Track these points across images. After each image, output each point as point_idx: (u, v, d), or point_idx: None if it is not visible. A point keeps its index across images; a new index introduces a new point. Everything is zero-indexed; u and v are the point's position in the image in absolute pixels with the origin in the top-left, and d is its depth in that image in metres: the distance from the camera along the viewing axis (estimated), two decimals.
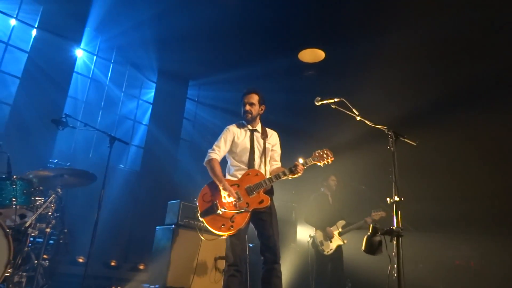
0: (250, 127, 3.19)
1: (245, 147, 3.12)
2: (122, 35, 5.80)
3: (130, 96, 6.77)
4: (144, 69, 6.80)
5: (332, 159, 3.01)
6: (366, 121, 2.61)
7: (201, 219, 2.96)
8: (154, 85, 6.99)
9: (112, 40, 6.11)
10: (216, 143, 3.15)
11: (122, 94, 6.65)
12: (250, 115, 3.12)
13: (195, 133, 7.49)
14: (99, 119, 6.14)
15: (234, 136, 3.15)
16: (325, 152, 3.06)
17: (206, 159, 3.08)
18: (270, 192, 3.01)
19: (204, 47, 5.95)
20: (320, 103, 2.72)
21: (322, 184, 5.39)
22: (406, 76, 5.76)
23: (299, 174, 2.93)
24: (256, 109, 3.17)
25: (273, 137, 3.23)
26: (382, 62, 5.59)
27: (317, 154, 3.03)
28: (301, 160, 2.99)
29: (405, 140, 2.49)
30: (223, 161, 3.13)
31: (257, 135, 3.18)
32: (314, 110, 5.22)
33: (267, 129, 3.23)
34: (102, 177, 3.42)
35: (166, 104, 6.84)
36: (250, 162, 3.08)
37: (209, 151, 3.11)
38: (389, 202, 2.25)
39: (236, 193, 2.90)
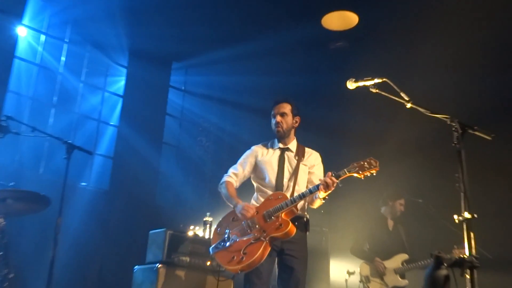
0: (281, 145, 3.53)
1: (271, 167, 3.44)
2: (79, 5, 5.90)
3: (92, 87, 6.86)
4: (110, 50, 6.89)
5: (377, 169, 3.10)
6: (420, 109, 2.65)
7: (211, 255, 3.30)
8: (125, 70, 7.12)
9: (65, 12, 6.18)
10: (233, 165, 3.55)
11: (81, 85, 6.74)
12: (281, 129, 3.44)
13: (183, 134, 7.61)
14: (51, 120, 6.22)
15: (257, 157, 3.51)
16: (368, 161, 3.17)
17: (220, 183, 3.47)
18: (301, 223, 3.30)
19: (192, 16, 6.07)
20: (354, 86, 2.82)
21: (382, 204, 5.59)
22: (480, 48, 5.71)
23: (329, 190, 3.09)
24: (289, 121, 3.49)
25: (312, 157, 3.51)
26: (444, 27, 5.59)
27: (355, 164, 3.16)
28: (333, 173, 3.17)
29: (477, 133, 2.50)
30: (249, 188, 3.50)
31: (290, 155, 3.49)
32: (345, 97, 5.45)
33: (306, 148, 3.53)
34: (58, 200, 3.45)
35: (142, 96, 6.95)
36: (278, 186, 3.39)
37: (225, 175, 3.51)
38: (457, 221, 2.29)
39: (253, 220, 3.20)
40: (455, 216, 2.30)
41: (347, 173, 3.17)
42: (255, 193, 3.48)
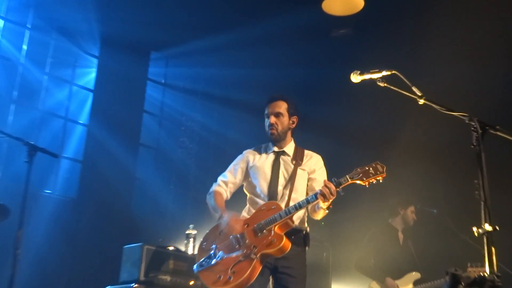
0: (276, 148, 3.56)
1: (264, 174, 3.48)
2: None
3: (59, 80, 6.85)
4: (79, 37, 6.89)
5: (384, 175, 3.13)
6: (435, 105, 2.66)
7: (195, 273, 3.33)
8: (96, 61, 7.12)
9: None
10: (222, 173, 3.61)
11: (46, 77, 6.72)
12: (275, 131, 3.47)
13: (163, 134, 7.61)
14: (10, 118, 6.20)
15: (249, 162, 3.56)
16: (374, 166, 3.19)
17: (207, 195, 3.52)
18: (299, 237, 3.34)
19: None
20: (359, 79, 2.85)
21: (390, 213, 5.61)
22: (503, 37, 5.77)
23: (329, 200, 3.09)
24: (284, 122, 3.52)
25: (312, 161, 3.53)
26: (462, 13, 5.64)
27: (359, 170, 3.18)
28: (333, 180, 3.17)
29: (499, 133, 2.51)
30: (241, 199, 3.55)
31: (286, 159, 3.52)
32: (350, 92, 5.61)
33: (306, 151, 3.56)
34: (19, 210, 3.42)
35: (115, 90, 6.94)
36: (271, 194, 3.41)
37: (214, 184, 3.58)
38: (476, 234, 2.30)
39: (242, 234, 3.22)
40: (474, 229, 2.31)
41: (349, 180, 3.18)
42: (247, 205, 3.52)
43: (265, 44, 6.55)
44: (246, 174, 3.58)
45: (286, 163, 3.51)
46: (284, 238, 3.16)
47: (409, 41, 6.23)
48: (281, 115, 3.47)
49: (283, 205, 3.31)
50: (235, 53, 6.85)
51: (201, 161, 7.72)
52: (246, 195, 3.60)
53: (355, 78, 2.86)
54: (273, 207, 3.30)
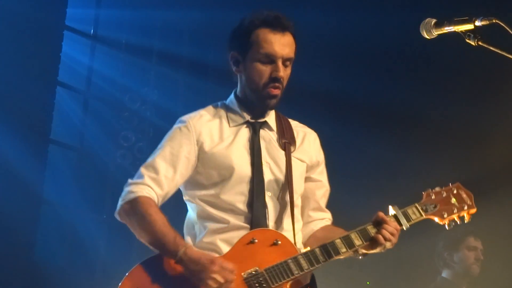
0: (249, 116, 2.86)
1: (238, 167, 2.77)
2: None
3: None
4: None
5: (473, 210, 2.84)
6: None
7: None
8: None
9: None
10: (147, 160, 2.80)
11: None
12: (280, 92, 2.80)
13: (91, 125, 6.64)
14: None
15: (203, 143, 2.79)
16: (456, 193, 2.86)
17: (119, 204, 2.71)
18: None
19: None
20: (436, 33, 2.56)
21: (439, 259, 5.32)
22: None
23: (387, 246, 2.69)
24: (288, 76, 2.94)
25: (308, 142, 3.00)
26: None
27: (434, 197, 2.83)
28: (396, 209, 2.74)
29: None
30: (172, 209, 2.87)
31: (268, 137, 2.88)
32: (414, 55, 6.08)
33: (293, 122, 3.03)
34: None
35: (8, 47, 5.92)
36: (256, 212, 2.76)
37: (128, 181, 2.73)
38: None
39: None
40: None
41: (422, 214, 2.76)
42: (199, 226, 2.78)
43: None
44: (197, 167, 2.75)
45: (270, 144, 2.82)
46: None
47: None
48: (289, 63, 2.79)
49: (289, 235, 2.72)
50: None
51: None
52: (186, 205, 2.89)
53: (429, 31, 2.54)
54: (275, 241, 2.65)
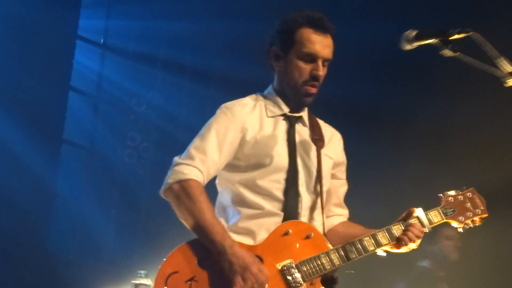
0: (287, 109, 2.93)
1: (278, 157, 2.81)
2: None
3: None
4: None
5: (485, 215, 2.90)
6: None
7: None
8: None
9: None
10: (195, 142, 2.76)
11: None
12: (316, 90, 2.88)
13: (101, 126, 6.96)
14: None
15: (246, 130, 2.83)
16: (471, 197, 2.92)
17: (168, 182, 2.63)
18: (333, 281, 2.82)
19: None
20: (415, 44, 2.49)
21: (419, 251, 5.06)
22: None
23: (411, 247, 2.74)
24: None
25: (335, 142, 3.06)
26: None
27: (451, 200, 2.91)
28: (419, 212, 2.79)
29: None
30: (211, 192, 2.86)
31: (302, 131, 2.96)
32: (401, 64, 5.83)
33: (320, 122, 3.09)
34: None
35: (23, 54, 6.18)
36: (290, 200, 2.78)
37: (177, 160, 2.70)
38: None
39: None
40: None
41: (443, 217, 2.84)
42: (232, 210, 2.77)
43: None
44: (237, 153, 2.79)
45: (304, 139, 2.88)
46: None
47: None
48: (327, 64, 2.81)
49: (319, 227, 2.77)
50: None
51: (161, 170, 7.20)
52: (222, 189, 2.90)
53: (408, 43, 2.48)
54: (308, 235, 2.68)
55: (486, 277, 5.77)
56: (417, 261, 5.48)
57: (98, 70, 7.11)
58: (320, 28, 2.72)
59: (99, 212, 6.70)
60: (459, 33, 2.37)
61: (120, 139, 6.97)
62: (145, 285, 4.98)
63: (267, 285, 2.54)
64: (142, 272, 5.08)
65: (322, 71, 2.73)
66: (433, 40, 2.44)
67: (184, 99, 7.43)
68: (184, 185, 2.61)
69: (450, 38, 2.39)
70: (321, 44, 2.73)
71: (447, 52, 2.42)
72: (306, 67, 2.73)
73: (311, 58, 2.71)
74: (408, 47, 2.52)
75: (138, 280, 5.04)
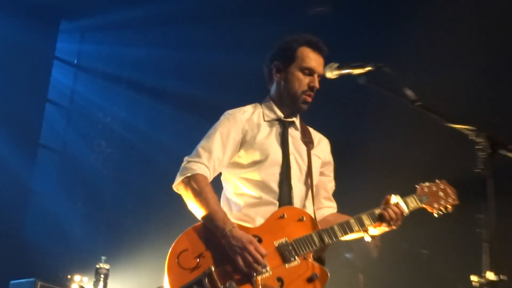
0: (282, 114, 3.10)
1: (273, 154, 3.03)
2: None
3: None
4: None
5: (456, 202, 3.09)
6: (433, 114, 2.56)
7: None
8: None
9: None
10: (202, 143, 3.01)
11: None
12: (311, 99, 3.09)
13: (72, 133, 7.31)
14: None
15: (246, 132, 3.06)
16: (443, 188, 3.09)
17: (179, 177, 2.89)
18: (322, 261, 2.99)
19: None
20: (336, 74, 2.77)
21: (344, 244, 5.56)
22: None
23: (393, 227, 2.90)
24: None
25: (324, 146, 3.24)
26: None
27: (425, 190, 3.05)
28: (395, 199, 2.94)
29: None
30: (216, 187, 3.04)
31: (295, 135, 3.13)
32: (325, 90, 5.68)
33: (309, 128, 3.26)
34: None
35: (7, 70, 6.51)
36: (284, 191, 2.98)
37: (186, 158, 2.97)
38: (476, 284, 2.24)
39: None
40: (473, 278, 2.28)
41: (418, 203, 2.97)
42: (236, 200, 3.00)
43: (218, 19, 6.49)
44: (239, 151, 3.01)
45: (296, 140, 3.08)
46: (326, 271, 2.82)
47: (400, 27, 6.07)
48: (319, 79, 3.07)
49: (310, 213, 2.96)
50: (173, 28, 6.77)
51: (122, 171, 7.49)
52: (226, 184, 3.12)
53: (331, 72, 2.76)
54: (301, 218, 2.87)
55: (398, 270, 5.86)
56: (342, 253, 5.73)
57: (71, 86, 7.54)
58: (317, 48, 3.00)
59: (68, 206, 7.03)
60: (372, 66, 2.66)
61: (88, 145, 7.37)
62: (105, 268, 5.17)
63: (265, 259, 2.74)
64: (103, 258, 5.23)
65: (317, 82, 3.01)
66: (351, 70, 2.71)
67: (143, 113, 7.87)
68: (192, 179, 2.85)
69: (365, 70, 2.67)
70: (317, 62, 3.00)
71: (362, 81, 2.69)
72: (304, 79, 2.99)
73: (310, 72, 2.98)
74: (329, 75, 2.80)
75: (100, 264, 5.18)
